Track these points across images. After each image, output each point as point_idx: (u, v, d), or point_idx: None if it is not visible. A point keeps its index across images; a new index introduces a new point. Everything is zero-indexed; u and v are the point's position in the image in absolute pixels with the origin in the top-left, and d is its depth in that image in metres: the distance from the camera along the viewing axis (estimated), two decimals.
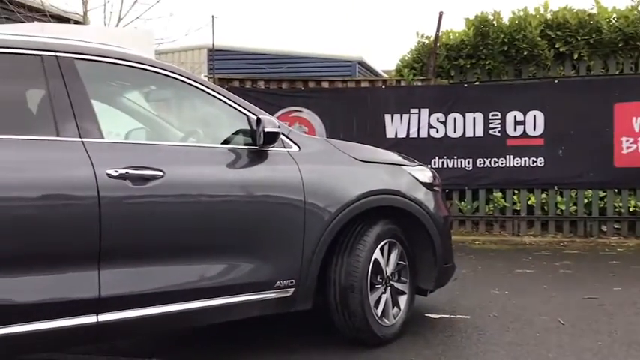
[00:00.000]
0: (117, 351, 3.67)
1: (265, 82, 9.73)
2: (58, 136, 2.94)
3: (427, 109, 8.96)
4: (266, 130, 3.33)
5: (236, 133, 3.52)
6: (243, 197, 3.38)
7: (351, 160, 3.82)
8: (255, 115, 3.46)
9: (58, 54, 3.05)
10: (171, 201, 3.14)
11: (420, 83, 9.25)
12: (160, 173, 3.08)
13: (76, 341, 3.06)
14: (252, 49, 16.27)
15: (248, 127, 3.48)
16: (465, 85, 9.05)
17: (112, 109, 3.58)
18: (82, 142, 2.96)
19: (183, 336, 3.99)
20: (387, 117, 9.13)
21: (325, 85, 9.58)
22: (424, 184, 4.08)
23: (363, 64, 16.40)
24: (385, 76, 12.33)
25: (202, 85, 3.48)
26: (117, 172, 2.97)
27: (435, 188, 4.20)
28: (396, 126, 9.14)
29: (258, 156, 3.46)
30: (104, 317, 2.93)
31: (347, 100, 9.34)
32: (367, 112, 9.20)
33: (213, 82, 9.30)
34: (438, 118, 8.95)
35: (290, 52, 16.27)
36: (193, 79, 3.47)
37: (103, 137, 3.05)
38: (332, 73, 13.28)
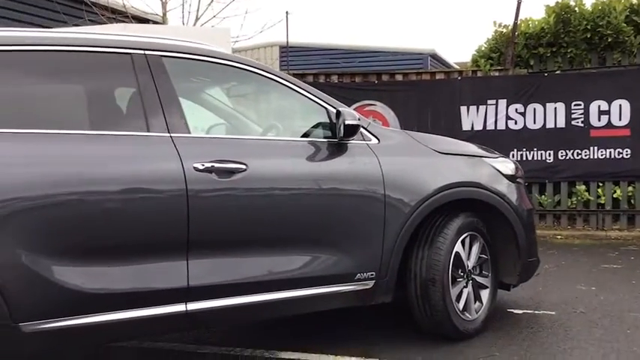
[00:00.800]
0: (203, 340, 3.78)
1: (339, 77, 9.74)
2: (148, 131, 3.05)
3: (505, 100, 8.73)
4: (346, 122, 3.34)
5: (315, 126, 3.55)
6: (324, 190, 3.40)
7: (431, 152, 3.78)
8: (335, 108, 3.47)
9: (146, 52, 3.16)
10: (254, 194, 3.20)
11: (497, 73, 9.02)
12: (244, 166, 3.15)
13: (165, 329, 3.18)
14: (323, 45, 16.35)
15: (327, 120, 3.50)
16: (545, 74, 8.75)
17: (196, 104, 3.67)
18: (171, 136, 3.06)
19: (267, 326, 4.07)
20: (463, 109, 8.96)
21: (399, 77, 9.50)
22: (506, 176, 3.99)
23: (434, 56, 16.16)
24: (457, 68, 12.08)
25: (283, 79, 3.52)
26: (203, 165, 3.05)
27: (517, 180, 4.09)
28: (472, 118, 8.96)
29: (338, 149, 3.48)
30: (192, 306, 3.02)
31: (421, 93, 9.22)
32: (442, 105, 9.06)
33: None
34: (516, 109, 8.70)
35: (361, 47, 16.24)
36: (274, 73, 3.52)
37: (189, 132, 3.14)
38: (403, 66, 13.14)
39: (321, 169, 3.44)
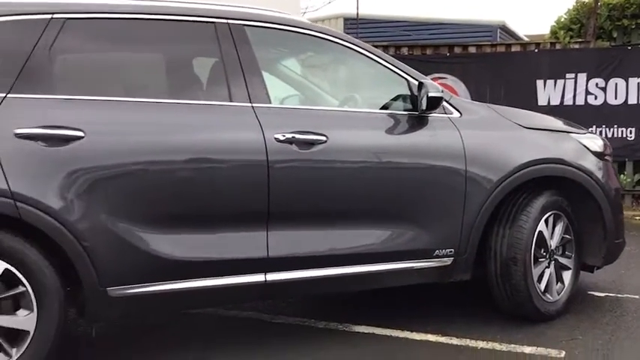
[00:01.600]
0: (277, 310, 3.80)
1: (409, 49, 9.53)
2: (231, 101, 3.04)
3: (585, 74, 8.33)
4: (430, 94, 3.24)
5: (395, 98, 3.47)
6: (403, 163, 3.33)
7: (515, 127, 3.63)
8: (417, 80, 3.37)
9: (229, 21, 3.13)
10: (333, 166, 3.16)
11: (577, 46, 8.61)
12: (324, 138, 3.10)
13: (244, 298, 3.21)
14: (390, 17, 16.03)
15: (408, 92, 3.41)
16: (629, 47, 8.30)
17: (276, 74, 3.64)
18: (252, 106, 3.04)
19: (341, 300, 4.06)
20: (539, 83, 8.61)
21: (472, 50, 9.20)
22: (594, 153, 3.80)
23: (504, 28, 15.59)
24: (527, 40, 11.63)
25: (364, 49, 3.44)
26: (284, 136, 3.03)
27: (605, 158, 3.89)
28: (548, 92, 8.61)
29: (418, 122, 3.39)
30: (271, 277, 3.03)
31: (495, 66, 8.90)
32: (517, 78, 8.72)
33: None
34: (596, 84, 8.30)
35: (428, 19, 15.83)
36: (356, 44, 3.43)
37: (270, 102, 3.12)
38: (472, 38, 12.72)
39: (401, 142, 3.36)
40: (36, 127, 2.65)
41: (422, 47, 9.55)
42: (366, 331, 3.49)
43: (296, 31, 3.31)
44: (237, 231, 2.98)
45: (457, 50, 9.26)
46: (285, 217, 3.05)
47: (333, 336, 3.46)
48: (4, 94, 2.67)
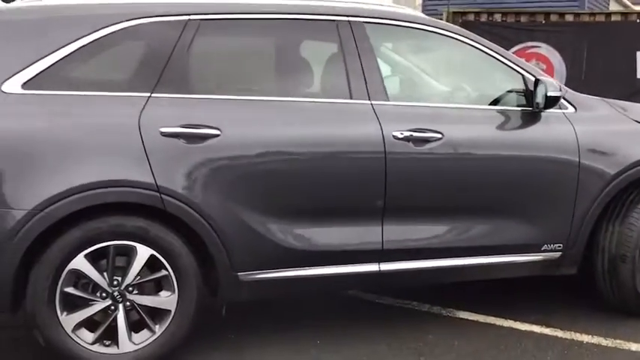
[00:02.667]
0: (381, 291, 3.96)
1: (502, 15, 9.30)
2: (351, 98, 3.16)
3: None
4: (549, 94, 3.25)
5: (507, 93, 3.49)
6: (515, 160, 3.37)
7: (631, 122, 3.59)
8: (534, 76, 3.38)
9: (350, 18, 3.23)
10: (448, 162, 3.25)
11: None
12: (439, 135, 3.19)
13: (358, 286, 3.39)
14: None
15: (520, 87, 3.43)
16: None
17: (392, 70, 3.72)
18: (371, 104, 3.16)
19: (444, 287, 4.15)
20: None
21: (569, 18, 8.90)
22: None
23: None
24: (620, 8, 11.07)
25: (479, 43, 3.46)
26: (402, 134, 3.14)
27: None
28: None
29: (532, 117, 3.41)
30: (385, 266, 3.19)
31: (592, 36, 8.60)
32: (616, 49, 8.41)
33: (447, 16, 9.16)
34: None
35: None
36: (470, 37, 3.46)
37: (388, 99, 3.22)
38: (558, 6, 12.16)
39: (515, 138, 3.40)
40: (178, 126, 2.87)
41: (516, 14, 9.31)
42: (469, 318, 3.63)
43: (411, 26, 3.37)
44: (355, 224, 3.15)
45: (553, 18, 8.97)
46: (399, 210, 3.18)
47: (437, 320, 3.61)
48: (148, 94, 2.89)
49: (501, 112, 3.43)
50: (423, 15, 3.50)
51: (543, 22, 8.98)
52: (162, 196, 2.83)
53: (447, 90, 3.69)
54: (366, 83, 3.17)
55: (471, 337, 3.38)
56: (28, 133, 2.75)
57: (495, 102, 3.51)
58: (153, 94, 2.89)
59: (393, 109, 3.22)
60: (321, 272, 3.12)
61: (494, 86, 3.56)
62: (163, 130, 2.85)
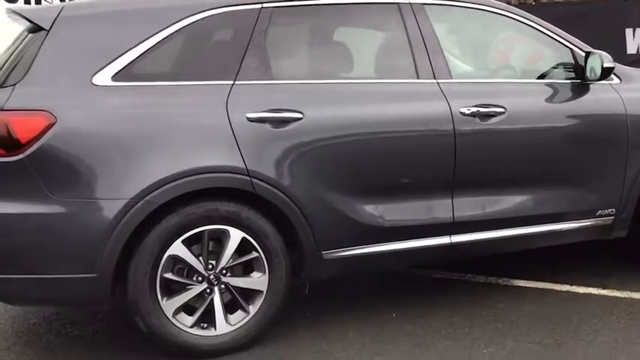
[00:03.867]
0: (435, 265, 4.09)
1: None
2: (418, 77, 3.28)
3: None
4: (605, 65, 3.41)
5: (556, 66, 3.65)
6: (571, 130, 3.55)
7: None
8: (583, 50, 3.54)
9: (410, 0, 3.34)
10: (510, 135, 3.39)
11: None
12: (502, 109, 3.33)
13: (430, 259, 3.50)
14: None
15: (568, 61, 3.59)
16: None
17: (451, 48, 3.84)
18: (437, 82, 3.27)
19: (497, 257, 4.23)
20: (629, 31, 8.52)
21: None
22: None
23: None
24: None
25: (528, 19, 3.60)
26: (469, 110, 3.26)
27: None
28: (638, 41, 8.53)
29: (582, 89, 3.57)
30: (456, 239, 3.32)
31: (582, 14, 8.82)
32: (605, 27, 8.64)
33: None
34: None
35: None
36: (518, 14, 3.61)
37: (451, 77, 3.34)
38: None
39: (569, 109, 3.55)
40: (263, 111, 2.94)
41: None
42: (527, 285, 3.78)
43: (464, 5, 3.50)
44: (428, 198, 3.27)
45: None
46: (467, 184, 3.32)
47: (497, 290, 3.75)
48: (231, 82, 2.96)
49: (554, 85, 3.58)
50: None
51: (533, 3, 9.18)
52: (253, 180, 2.90)
53: (503, 66, 3.82)
54: (430, 63, 3.29)
55: (537, 303, 3.53)
56: (123, 124, 2.79)
57: (543, 76, 3.66)
58: (236, 82, 2.96)
59: (458, 87, 3.34)
60: (397, 247, 3.23)
61: (544, 61, 3.71)
62: (250, 115, 2.92)
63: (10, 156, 2.67)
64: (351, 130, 3.10)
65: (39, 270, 2.73)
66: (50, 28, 2.81)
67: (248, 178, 2.90)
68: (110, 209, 2.73)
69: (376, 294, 3.78)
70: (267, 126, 2.95)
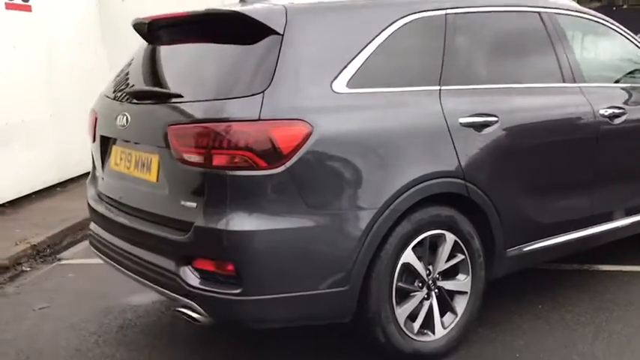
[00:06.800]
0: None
1: None
2: (563, 82, 3.52)
3: None
4: None
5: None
6: None
7: None
8: None
9: (547, 10, 3.56)
10: (632, 134, 3.75)
11: None
12: (624, 111, 3.68)
13: (574, 251, 3.74)
14: None
15: None
16: None
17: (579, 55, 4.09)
18: (579, 87, 3.55)
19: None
20: None
21: None
22: None
23: None
24: None
25: (622, 29, 4.00)
26: (606, 112, 3.57)
27: None
28: None
29: None
30: (589, 231, 3.62)
31: None
32: None
33: None
34: None
35: None
36: (617, 25, 3.98)
37: (585, 82, 3.62)
38: None
39: None
40: (470, 115, 3.00)
41: None
42: (611, 269, 4.14)
43: (581, 15, 3.80)
44: (578, 195, 3.53)
45: None
46: (604, 180, 3.62)
47: (590, 275, 4.07)
48: (438, 87, 2.98)
49: None
50: (581, 7, 3.93)
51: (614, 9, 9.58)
52: (467, 184, 2.96)
53: (612, 71, 4.16)
54: (570, 68, 3.55)
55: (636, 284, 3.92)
56: (366, 132, 2.71)
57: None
58: (442, 87, 2.99)
59: (594, 90, 3.63)
60: (557, 241, 3.46)
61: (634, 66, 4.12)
62: (462, 120, 2.97)
63: (271, 168, 2.49)
64: (536, 132, 3.28)
65: (298, 287, 2.58)
66: (284, 31, 2.64)
67: (463, 182, 2.95)
68: (362, 219, 2.65)
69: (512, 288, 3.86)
70: (473, 130, 3.01)
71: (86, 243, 5.32)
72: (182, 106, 2.70)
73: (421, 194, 2.79)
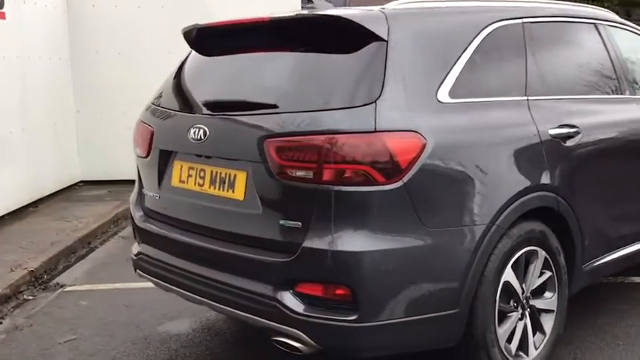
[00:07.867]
0: None
1: None
2: (621, 93, 3.50)
3: None
4: None
5: None
6: None
7: None
8: None
9: (600, 21, 3.55)
10: None
11: None
12: None
13: (631, 264, 3.68)
14: None
15: None
16: None
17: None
18: (635, 99, 3.54)
19: None
20: None
21: None
22: None
23: None
24: None
25: None
26: None
27: None
28: None
29: None
30: None
31: None
32: None
33: None
34: None
35: None
36: None
37: (636, 93, 3.62)
38: None
39: None
40: (557, 127, 2.91)
41: None
42: None
43: (621, 27, 3.81)
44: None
45: None
46: None
47: (625, 287, 4.08)
48: (525, 97, 2.87)
49: None
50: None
51: None
52: (558, 197, 2.86)
53: None
54: (626, 79, 3.53)
55: None
56: (472, 144, 2.56)
57: None
58: (529, 97, 2.89)
59: None
60: (623, 253, 3.41)
61: None
62: (551, 132, 2.87)
63: (389, 184, 2.29)
64: (613, 143, 3.24)
65: (412, 311, 2.38)
66: (387, 37, 2.46)
67: (555, 196, 2.85)
68: (472, 237, 2.49)
69: None
70: (560, 142, 2.92)
71: (84, 268, 5.02)
72: (280, 118, 2.47)
73: (522, 209, 2.67)
